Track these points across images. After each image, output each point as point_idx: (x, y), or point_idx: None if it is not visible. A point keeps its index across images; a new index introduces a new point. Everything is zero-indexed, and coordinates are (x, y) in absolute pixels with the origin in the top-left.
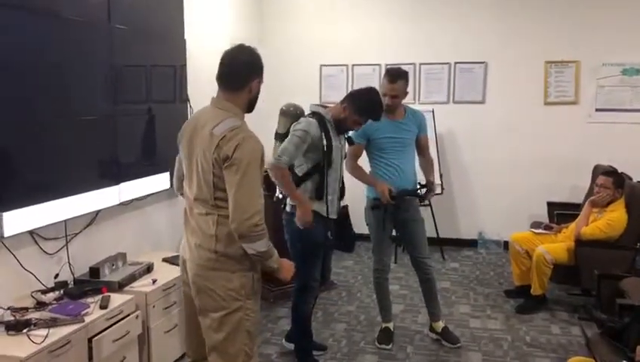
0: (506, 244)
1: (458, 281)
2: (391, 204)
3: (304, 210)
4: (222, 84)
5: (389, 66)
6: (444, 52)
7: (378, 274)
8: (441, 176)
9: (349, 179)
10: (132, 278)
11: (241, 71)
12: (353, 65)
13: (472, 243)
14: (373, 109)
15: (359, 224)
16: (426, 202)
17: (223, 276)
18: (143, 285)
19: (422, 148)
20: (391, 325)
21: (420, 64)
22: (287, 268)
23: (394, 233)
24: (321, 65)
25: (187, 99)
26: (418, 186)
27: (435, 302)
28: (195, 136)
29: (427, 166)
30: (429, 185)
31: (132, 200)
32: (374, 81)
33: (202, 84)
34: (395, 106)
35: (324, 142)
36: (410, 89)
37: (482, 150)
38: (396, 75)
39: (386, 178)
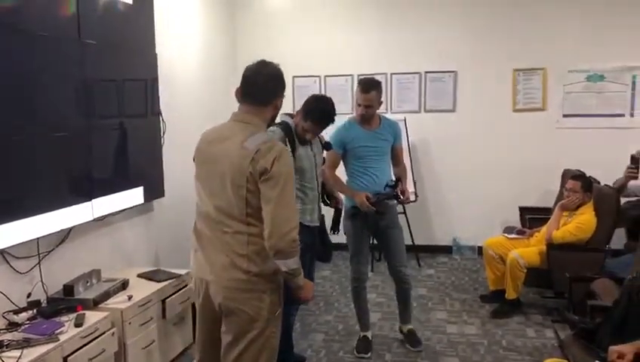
0: (480, 250)
1: (434, 288)
2: (372, 210)
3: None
4: (248, 98)
5: (361, 77)
6: (415, 62)
7: (356, 284)
8: (414, 183)
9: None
10: (107, 295)
11: (269, 85)
12: (325, 76)
13: (446, 250)
14: (320, 116)
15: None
16: (407, 199)
17: (255, 297)
18: (118, 302)
19: (396, 158)
20: (369, 334)
21: (392, 74)
22: (309, 287)
23: (373, 242)
24: (294, 77)
25: (159, 113)
26: (390, 185)
27: (408, 308)
28: (218, 151)
29: (401, 173)
30: (397, 181)
31: (106, 216)
32: (347, 91)
33: (175, 97)
34: (369, 116)
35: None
36: (382, 98)
37: (454, 157)
38: (369, 85)
39: (363, 186)
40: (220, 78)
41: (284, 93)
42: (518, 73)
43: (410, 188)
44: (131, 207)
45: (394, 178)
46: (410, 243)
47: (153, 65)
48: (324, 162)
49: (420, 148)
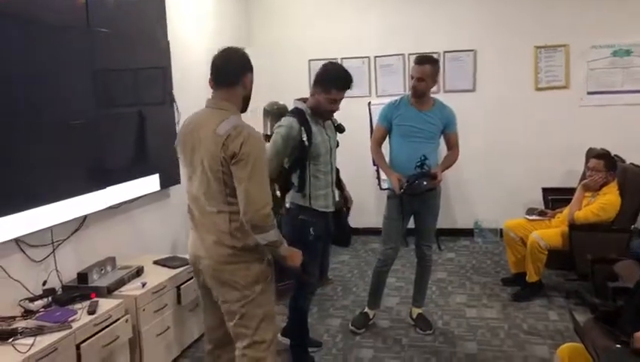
0: (502, 232)
1: (454, 271)
2: (405, 193)
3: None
4: (216, 82)
5: (378, 58)
6: (433, 41)
7: (379, 265)
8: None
9: (348, 173)
10: (121, 282)
11: (233, 66)
12: (342, 58)
13: (468, 233)
14: (335, 76)
15: (356, 217)
16: (437, 181)
17: (242, 267)
18: (132, 289)
19: (449, 146)
20: (372, 313)
21: (409, 54)
22: (295, 255)
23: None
24: (310, 60)
25: (173, 100)
26: (417, 164)
27: (423, 289)
28: (195, 137)
29: (447, 158)
30: (424, 161)
31: (120, 204)
32: (364, 73)
33: (188, 84)
34: (420, 90)
35: (304, 137)
36: (400, 79)
37: (475, 139)
38: (425, 59)
39: (401, 165)
40: None
41: (252, 73)
42: (539, 50)
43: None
44: (147, 194)
45: (423, 156)
46: None
47: (166, 52)
48: (338, 145)
49: None
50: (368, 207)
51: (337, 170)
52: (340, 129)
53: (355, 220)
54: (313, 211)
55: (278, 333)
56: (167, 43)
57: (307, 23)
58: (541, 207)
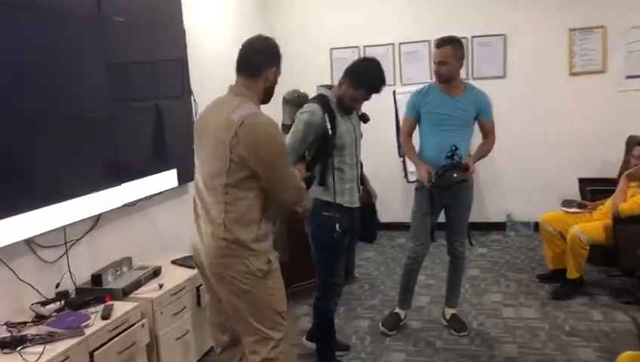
0: (536, 226)
1: (487, 268)
2: (434, 186)
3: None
4: (239, 70)
5: (403, 45)
6: (460, 26)
7: (409, 262)
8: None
9: (373, 165)
10: (137, 284)
11: (255, 58)
12: (365, 46)
13: (500, 227)
14: (369, 80)
15: (381, 212)
16: (469, 173)
17: (237, 262)
18: (149, 290)
19: (484, 133)
20: (403, 313)
21: (435, 41)
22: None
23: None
24: (332, 49)
25: (191, 92)
26: (447, 155)
27: (456, 288)
28: (210, 121)
29: (481, 147)
30: (454, 151)
31: (137, 201)
32: (389, 60)
33: (206, 75)
34: (444, 75)
35: (328, 125)
36: (425, 67)
37: (506, 127)
38: (443, 40)
39: (431, 157)
40: None
41: (278, 67)
42: (574, 33)
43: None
44: (164, 191)
45: (454, 147)
46: None
47: (182, 42)
48: (362, 135)
49: None
50: (394, 201)
51: (361, 163)
52: (364, 118)
53: (380, 214)
54: (338, 207)
55: (290, 332)
56: (184, 32)
57: (328, 10)
58: (577, 198)
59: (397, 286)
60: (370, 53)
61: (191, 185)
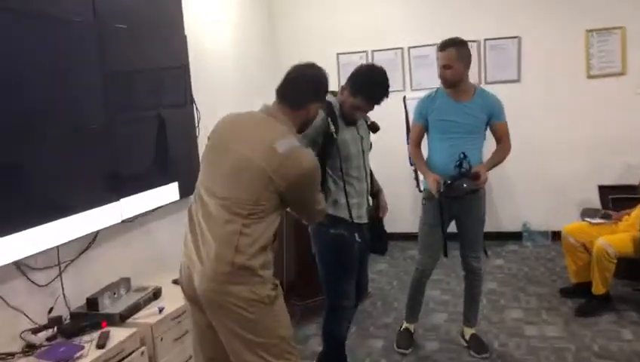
0: (554, 235)
1: (505, 281)
2: (442, 196)
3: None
4: (282, 98)
5: (412, 49)
6: (473, 29)
7: (417, 275)
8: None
9: (383, 173)
10: (136, 308)
11: (304, 91)
12: (373, 50)
13: (516, 236)
14: (370, 89)
15: (392, 222)
16: (480, 182)
17: (243, 289)
18: (148, 315)
19: (497, 138)
20: (412, 327)
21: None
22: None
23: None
24: (338, 54)
25: (193, 101)
26: (456, 164)
27: (474, 306)
28: (239, 139)
29: (495, 154)
30: (462, 159)
31: (136, 217)
32: (398, 66)
33: (208, 82)
34: (449, 79)
35: (332, 127)
36: (436, 72)
37: (521, 133)
38: (446, 42)
39: (440, 166)
40: (258, 59)
41: (323, 102)
42: (591, 34)
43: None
44: (165, 205)
45: (462, 155)
46: None
47: (183, 49)
48: (371, 146)
49: None
50: (405, 211)
51: (371, 173)
52: (373, 128)
53: (391, 225)
54: (346, 223)
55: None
56: (185, 38)
57: (334, 13)
58: (597, 206)
59: (401, 303)
60: (378, 57)
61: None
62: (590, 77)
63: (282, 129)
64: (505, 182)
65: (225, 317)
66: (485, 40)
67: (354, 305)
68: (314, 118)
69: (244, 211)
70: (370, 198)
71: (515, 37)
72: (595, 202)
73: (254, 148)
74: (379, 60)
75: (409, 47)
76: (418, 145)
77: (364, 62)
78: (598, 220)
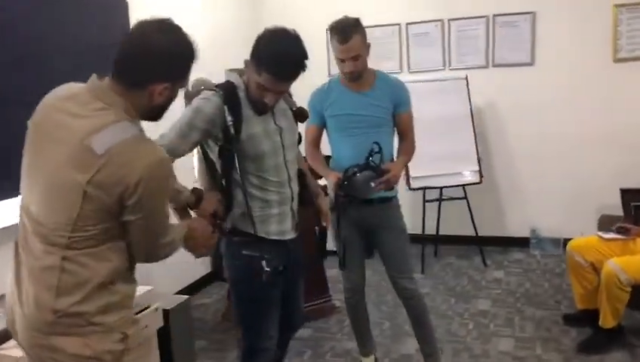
0: (567, 244)
1: (501, 299)
2: (343, 191)
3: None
4: (116, 71)
5: (410, 25)
6: (480, 3)
7: (348, 295)
8: (479, 161)
9: None
10: (5, 335)
11: (146, 63)
12: (366, 27)
13: (522, 243)
14: (272, 59)
15: None
16: (388, 183)
17: (71, 342)
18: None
19: (402, 132)
20: (371, 359)
21: (449, 20)
22: (201, 224)
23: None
24: (328, 30)
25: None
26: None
27: (429, 337)
28: (55, 132)
29: (402, 152)
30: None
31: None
32: (394, 45)
33: None
34: (359, 72)
35: (229, 118)
36: (438, 52)
37: (533, 125)
38: (347, 29)
39: (345, 168)
40: (235, 27)
41: (177, 83)
42: (619, 10)
43: (473, 166)
44: None
45: (377, 145)
46: (473, 233)
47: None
48: (300, 140)
49: (488, 113)
50: None
51: (303, 173)
52: (300, 115)
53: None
54: (262, 241)
55: None
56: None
57: None
58: (619, 212)
59: (385, 320)
60: (373, 34)
61: None
62: (617, 60)
63: (106, 116)
64: (513, 180)
65: None
66: (494, 16)
67: (282, 345)
68: (165, 102)
69: (63, 240)
70: (295, 208)
71: (529, 12)
72: (617, 208)
73: (65, 148)
74: (373, 38)
75: (407, 24)
76: (316, 146)
77: None
78: (611, 235)
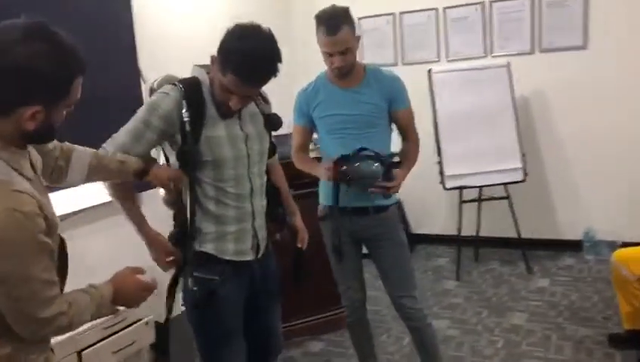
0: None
1: (540, 313)
2: (346, 176)
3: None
4: None
5: (448, 9)
6: None
7: (348, 313)
8: (523, 156)
9: None
10: None
11: (6, 85)
12: (401, 12)
13: (575, 247)
14: (238, 60)
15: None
16: (392, 188)
17: None
18: None
19: (402, 131)
20: None
21: (491, 2)
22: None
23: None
24: (359, 18)
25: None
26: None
27: (430, 357)
28: None
29: (406, 155)
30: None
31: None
32: (388, 35)
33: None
34: (349, 66)
35: (185, 118)
36: (478, 36)
37: (586, 117)
38: (336, 20)
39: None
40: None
41: (51, 104)
42: None
43: (517, 163)
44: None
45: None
46: (515, 235)
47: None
48: (275, 151)
49: (534, 104)
50: (431, 210)
51: (278, 189)
52: (272, 123)
53: (417, 225)
54: (215, 261)
55: None
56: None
57: None
58: None
59: (405, 335)
60: (408, 20)
61: None
62: None
63: None
64: (564, 177)
65: None
66: None
67: None
68: (41, 128)
69: None
70: (262, 223)
71: None
72: None
73: None
74: (366, 29)
75: (444, 8)
76: (304, 150)
77: (390, 26)
78: None
